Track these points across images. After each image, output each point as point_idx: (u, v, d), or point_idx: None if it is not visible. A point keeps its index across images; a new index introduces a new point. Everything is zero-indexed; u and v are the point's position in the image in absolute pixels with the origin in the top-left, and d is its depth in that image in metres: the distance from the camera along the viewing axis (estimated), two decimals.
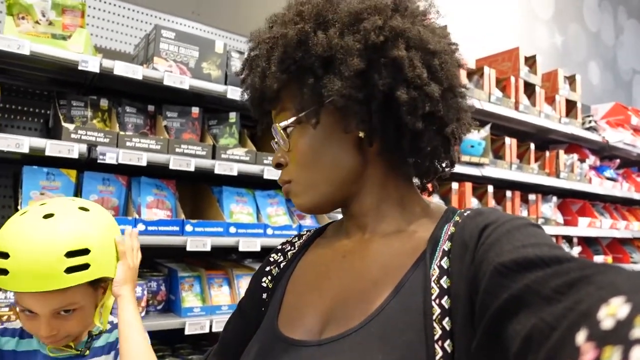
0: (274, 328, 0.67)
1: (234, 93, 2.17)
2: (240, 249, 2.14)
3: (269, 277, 0.79)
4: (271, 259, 0.82)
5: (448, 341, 0.53)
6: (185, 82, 2.04)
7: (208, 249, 2.05)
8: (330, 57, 0.63)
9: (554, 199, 3.76)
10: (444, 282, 0.57)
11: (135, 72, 1.92)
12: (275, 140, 0.73)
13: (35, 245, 0.89)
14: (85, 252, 0.93)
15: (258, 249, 2.18)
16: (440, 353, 0.52)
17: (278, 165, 0.72)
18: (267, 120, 0.76)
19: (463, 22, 3.89)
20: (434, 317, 0.55)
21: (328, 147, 0.67)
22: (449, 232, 0.62)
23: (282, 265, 0.79)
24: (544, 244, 0.50)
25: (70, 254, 0.91)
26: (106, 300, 1.07)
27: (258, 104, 0.73)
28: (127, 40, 2.52)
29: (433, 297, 0.56)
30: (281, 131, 0.69)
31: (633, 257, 4.30)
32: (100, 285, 1.05)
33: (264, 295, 0.77)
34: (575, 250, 3.91)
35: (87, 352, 1.07)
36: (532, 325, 0.41)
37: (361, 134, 0.66)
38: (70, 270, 0.91)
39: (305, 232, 0.84)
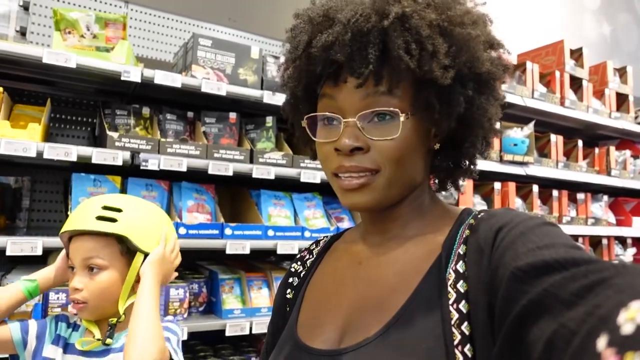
0: (294, 337, 0.68)
1: (270, 97, 2.20)
2: (279, 251, 2.16)
3: (291, 289, 0.79)
4: (292, 270, 0.82)
5: (468, 346, 0.53)
6: (222, 88, 2.08)
7: (247, 251, 2.08)
8: (485, 79, 0.64)
9: (605, 197, 3.58)
10: (461, 286, 0.57)
11: (174, 80, 1.98)
12: (342, 120, 0.62)
13: (87, 200, 1.17)
14: (118, 210, 1.12)
15: (296, 251, 2.19)
16: (460, 358, 0.52)
17: (354, 150, 0.61)
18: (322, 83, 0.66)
19: (504, 15, 3.77)
20: (453, 322, 0.54)
21: (419, 148, 0.64)
22: (464, 235, 0.61)
23: (301, 275, 0.79)
24: (560, 244, 0.50)
25: (106, 208, 1.12)
26: (130, 279, 1.12)
27: (365, 70, 0.59)
28: (167, 49, 2.60)
29: (450, 302, 0.56)
30: (402, 117, 0.60)
31: None
32: (130, 258, 1.13)
33: (287, 308, 0.78)
34: (630, 252, 3.71)
35: (108, 340, 1.11)
36: (552, 330, 0.41)
37: (437, 146, 0.67)
38: (99, 218, 1.10)
39: (322, 238, 0.84)
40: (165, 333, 1.06)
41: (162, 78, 1.95)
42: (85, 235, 1.12)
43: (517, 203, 3.09)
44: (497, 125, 0.71)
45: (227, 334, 2.02)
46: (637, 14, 5.22)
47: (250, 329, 2.07)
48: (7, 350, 1.13)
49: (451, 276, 0.58)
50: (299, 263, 0.82)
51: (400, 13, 0.59)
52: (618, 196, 3.78)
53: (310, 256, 0.81)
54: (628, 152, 3.67)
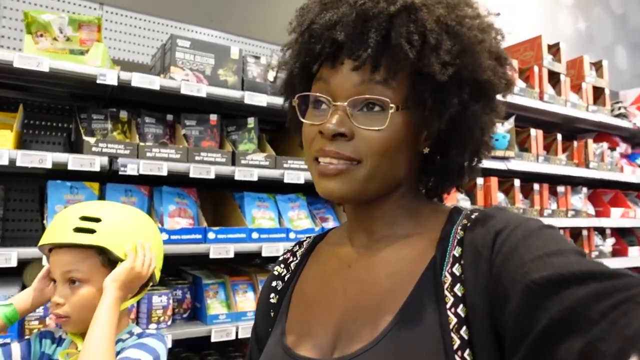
0: (284, 345, 0.65)
1: (252, 98, 2.17)
2: (264, 254, 2.13)
3: (275, 293, 0.76)
4: (275, 273, 0.79)
5: (467, 350, 0.52)
6: (202, 89, 2.04)
7: (231, 255, 2.05)
8: (484, 87, 0.62)
9: (584, 189, 3.64)
10: (458, 290, 0.56)
11: (152, 82, 1.93)
12: (331, 103, 0.60)
13: (65, 210, 1.14)
14: (96, 220, 1.08)
15: (281, 253, 2.16)
16: None
17: (337, 135, 0.59)
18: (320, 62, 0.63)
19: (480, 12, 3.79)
20: (451, 327, 0.53)
21: (405, 146, 0.62)
22: (458, 236, 0.60)
23: (285, 278, 0.76)
24: (567, 251, 0.49)
25: (84, 219, 1.08)
26: None
27: (367, 56, 0.58)
28: (144, 51, 2.55)
29: (447, 306, 0.55)
30: (392, 109, 0.59)
31: None
32: (111, 268, 1.09)
33: (271, 313, 0.74)
34: (609, 242, 3.78)
35: None
36: (580, 350, 0.41)
37: (426, 150, 0.65)
38: (77, 230, 1.06)
39: (305, 239, 0.81)
40: (135, 354, 1.02)
41: (140, 80, 1.91)
42: (64, 248, 1.08)
43: (499, 197, 3.12)
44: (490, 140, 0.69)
45: (213, 339, 1.99)
46: (610, 9, 5.33)
47: (237, 333, 2.04)
48: None
49: (447, 279, 0.57)
50: (282, 266, 0.78)
51: (409, 2, 0.58)
52: (596, 188, 3.85)
53: (294, 258, 0.78)
54: (605, 145, 3.74)
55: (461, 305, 0.54)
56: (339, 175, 0.60)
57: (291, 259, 0.78)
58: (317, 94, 0.63)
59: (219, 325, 2.03)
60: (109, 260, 1.09)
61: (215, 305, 2.11)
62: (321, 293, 0.68)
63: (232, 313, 2.09)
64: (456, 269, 0.57)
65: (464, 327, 0.53)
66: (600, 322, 0.41)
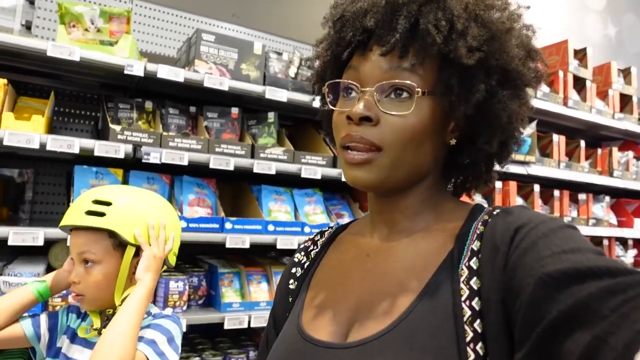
0: (299, 327, 0.66)
1: (273, 93, 2.21)
2: (278, 246, 2.17)
3: (294, 279, 0.78)
4: (295, 260, 0.80)
5: (480, 344, 0.52)
6: (224, 83, 2.09)
7: (247, 246, 2.09)
8: (512, 76, 0.62)
9: (607, 198, 3.57)
10: (474, 283, 0.56)
11: (177, 74, 1.99)
12: (359, 88, 0.62)
13: (85, 193, 1.16)
14: (107, 204, 1.11)
15: (295, 246, 2.20)
16: (472, 356, 0.51)
17: (364, 120, 0.60)
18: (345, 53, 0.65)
19: (509, 2, 3.75)
20: (465, 319, 0.53)
21: (431, 135, 0.62)
22: (478, 231, 0.60)
23: (305, 266, 0.78)
24: (586, 250, 0.49)
25: (96, 202, 1.11)
26: (123, 273, 1.12)
27: (393, 44, 0.60)
28: (171, 44, 2.62)
29: (463, 298, 0.55)
30: (418, 93, 0.60)
31: None
32: (123, 250, 1.13)
33: (290, 299, 0.76)
34: (630, 254, 3.70)
35: (104, 331, 1.11)
36: (588, 343, 0.41)
37: (453, 141, 0.65)
38: (88, 213, 1.09)
39: (327, 229, 0.82)
40: (150, 334, 1.06)
41: (165, 72, 1.97)
42: (79, 230, 1.13)
43: (518, 202, 3.09)
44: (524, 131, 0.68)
45: (226, 327, 2.04)
46: None
47: (249, 322, 2.08)
48: (23, 344, 1.16)
49: (464, 272, 0.57)
50: (302, 254, 0.80)
51: None
52: (620, 197, 3.77)
53: (315, 247, 0.79)
54: (631, 154, 3.66)
55: (476, 299, 0.54)
56: (365, 164, 0.61)
57: (312, 247, 0.80)
58: (346, 81, 0.64)
59: (232, 313, 2.08)
60: (120, 243, 1.12)
61: (229, 294, 2.16)
62: (339, 280, 0.69)
63: (245, 302, 2.13)
64: (474, 263, 0.57)
65: (478, 320, 0.53)
66: (610, 317, 0.41)
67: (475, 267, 0.57)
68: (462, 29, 0.59)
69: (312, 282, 0.73)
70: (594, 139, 3.79)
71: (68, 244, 1.73)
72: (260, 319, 2.10)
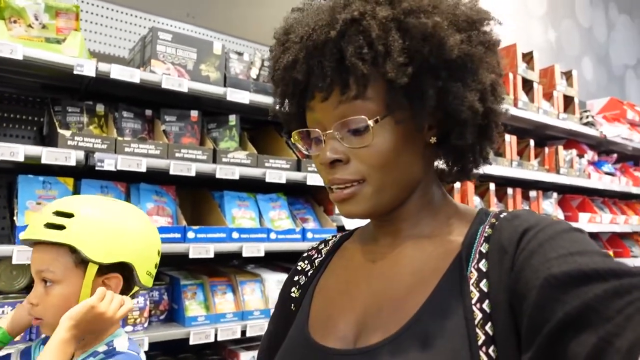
0: (306, 335, 0.65)
1: (234, 95, 2.12)
2: (244, 254, 2.09)
3: (297, 287, 0.77)
4: (298, 268, 0.80)
5: (492, 347, 0.52)
6: (184, 84, 1.99)
7: (211, 255, 1.99)
8: (460, 64, 0.59)
9: (555, 195, 3.75)
10: (484, 285, 0.55)
11: (132, 75, 1.86)
12: (321, 134, 0.62)
13: (50, 203, 1.04)
14: (69, 215, 0.98)
15: (262, 254, 2.13)
16: (484, 359, 0.51)
17: (335, 162, 0.61)
18: (297, 110, 0.66)
19: None
20: (476, 322, 0.53)
21: (406, 148, 0.62)
22: (485, 234, 0.60)
23: (309, 274, 0.77)
24: (592, 252, 0.49)
25: (57, 213, 0.99)
26: (84, 294, 0.99)
27: (321, 87, 0.60)
28: (122, 44, 2.47)
29: (473, 301, 0.55)
30: (371, 123, 0.58)
31: (633, 251, 4.30)
32: (83, 270, 0.99)
33: (292, 306, 0.75)
34: None
35: None
36: (592, 345, 0.41)
37: (432, 140, 0.64)
38: (48, 225, 0.97)
39: (331, 238, 0.82)
40: None
41: (119, 73, 1.84)
42: (38, 245, 1.00)
43: (475, 201, 3.17)
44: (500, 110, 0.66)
45: (192, 342, 1.93)
46: (578, 21, 5.54)
47: (216, 336, 1.98)
48: None
49: (473, 275, 0.57)
50: (306, 262, 0.80)
51: (348, 19, 0.57)
52: (565, 193, 3.97)
53: (319, 255, 0.79)
54: (574, 152, 3.86)
55: (487, 301, 0.54)
56: (351, 199, 0.62)
57: (315, 256, 0.80)
58: (310, 129, 0.64)
59: (197, 327, 1.97)
60: (82, 260, 0.99)
61: (193, 307, 2.05)
62: (345, 287, 0.69)
63: (211, 315, 2.03)
64: (482, 265, 0.57)
65: (489, 323, 0.53)
66: (616, 319, 0.41)
67: (484, 269, 0.57)
68: (384, 50, 0.56)
69: (316, 290, 0.73)
70: (540, 138, 3.97)
71: (15, 261, 1.57)
72: (227, 332, 2.00)
